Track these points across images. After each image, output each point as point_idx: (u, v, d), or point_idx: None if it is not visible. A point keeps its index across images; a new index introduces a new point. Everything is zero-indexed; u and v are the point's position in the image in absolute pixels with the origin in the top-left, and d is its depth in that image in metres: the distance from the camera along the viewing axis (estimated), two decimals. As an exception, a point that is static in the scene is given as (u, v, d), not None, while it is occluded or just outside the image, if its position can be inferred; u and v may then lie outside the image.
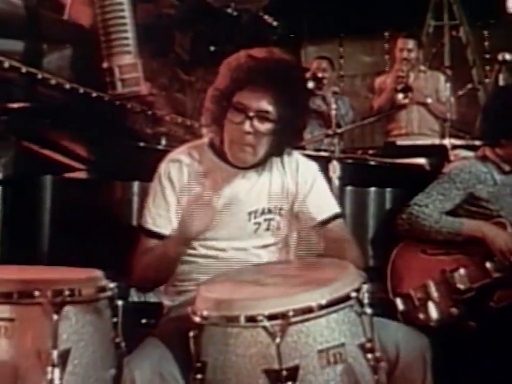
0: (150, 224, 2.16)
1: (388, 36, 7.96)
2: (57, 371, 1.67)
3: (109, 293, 1.83)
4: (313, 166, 2.34)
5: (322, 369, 1.65)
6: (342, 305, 1.69)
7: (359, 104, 6.38)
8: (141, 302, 3.54)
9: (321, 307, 1.67)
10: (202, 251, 2.16)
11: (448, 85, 4.72)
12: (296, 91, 2.17)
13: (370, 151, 4.93)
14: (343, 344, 1.67)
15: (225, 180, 2.21)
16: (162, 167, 2.23)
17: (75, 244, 2.65)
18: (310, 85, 4.99)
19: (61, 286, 1.72)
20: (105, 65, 1.26)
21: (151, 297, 3.47)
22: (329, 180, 2.92)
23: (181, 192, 2.19)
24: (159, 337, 1.91)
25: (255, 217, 2.21)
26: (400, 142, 4.57)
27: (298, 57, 8.76)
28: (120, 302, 1.83)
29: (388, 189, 3.24)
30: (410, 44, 5.19)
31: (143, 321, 2.87)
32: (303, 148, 3.51)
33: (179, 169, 2.20)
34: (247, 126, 2.10)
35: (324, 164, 2.86)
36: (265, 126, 2.12)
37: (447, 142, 3.70)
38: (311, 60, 7.22)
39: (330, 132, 3.14)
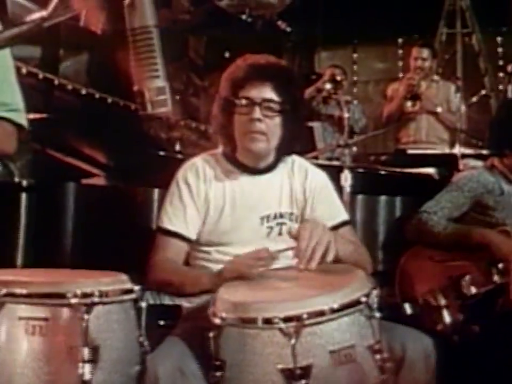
0: (166, 223, 2.28)
1: (401, 42, 8.10)
2: (87, 366, 1.79)
3: (133, 295, 1.94)
4: (322, 175, 2.43)
5: (333, 369, 1.74)
6: (352, 309, 1.77)
7: (372, 110, 6.46)
8: (157, 305, 3.67)
9: (333, 311, 1.75)
10: (217, 256, 2.27)
11: (458, 95, 4.79)
12: (292, 84, 2.31)
13: (383, 157, 5.04)
14: (353, 346, 1.76)
15: (238, 185, 2.32)
16: (180, 172, 2.35)
17: (97, 248, 2.75)
18: (328, 86, 5.15)
19: (91, 288, 1.84)
20: (135, 88, 1.37)
21: (166, 300, 3.60)
22: (340, 189, 3.04)
23: (198, 196, 2.30)
24: (180, 336, 2.01)
25: (267, 221, 2.31)
26: (411, 150, 4.65)
27: (311, 63, 8.88)
28: (143, 304, 1.96)
29: (398, 197, 3.35)
30: (425, 53, 5.28)
31: (161, 323, 2.96)
32: (316, 158, 3.64)
33: (196, 174, 2.32)
34: (256, 113, 2.21)
35: (335, 172, 2.97)
36: (275, 114, 2.24)
37: (457, 151, 3.78)
38: (324, 68, 7.32)
39: (341, 142, 3.25)
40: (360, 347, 1.77)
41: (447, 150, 4.18)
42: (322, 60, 8.79)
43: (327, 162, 3.24)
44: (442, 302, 2.83)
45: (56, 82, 5.43)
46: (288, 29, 8.28)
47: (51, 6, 1.37)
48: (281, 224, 2.32)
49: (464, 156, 3.77)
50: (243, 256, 2.09)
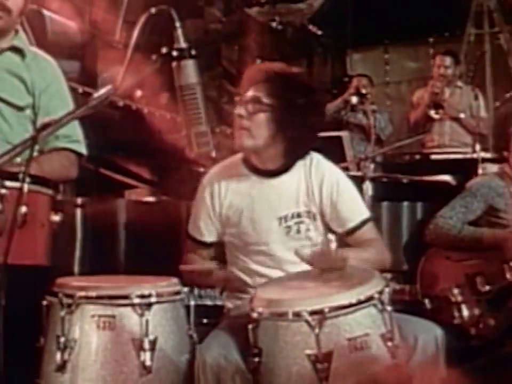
0: (189, 228, 2.60)
1: (432, 41, 8.11)
2: (147, 354, 2.19)
3: (183, 295, 2.36)
4: (340, 173, 2.58)
5: (351, 354, 2.04)
6: (366, 304, 2.07)
7: (405, 109, 6.49)
8: (199, 305, 4.07)
9: (350, 305, 2.05)
10: (253, 266, 2.52)
11: (478, 102, 5.06)
12: (289, 89, 2.42)
13: (417, 156, 5.24)
14: (367, 334, 2.06)
15: (255, 188, 2.51)
16: (204, 181, 2.59)
17: (147, 256, 3.09)
18: (354, 100, 5.46)
19: (149, 290, 2.25)
20: (183, 132, 1.73)
21: (207, 301, 3.98)
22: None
23: (213, 204, 2.53)
24: (223, 330, 2.36)
25: (285, 221, 2.48)
26: (434, 156, 4.91)
27: (343, 65, 8.96)
28: (192, 303, 2.37)
29: (419, 203, 3.69)
30: (448, 61, 5.56)
31: (204, 321, 3.33)
32: (347, 169, 3.95)
33: (213, 183, 2.55)
34: (240, 110, 2.41)
35: (358, 183, 3.29)
36: (259, 112, 2.40)
37: (477, 156, 4.07)
38: (356, 70, 7.48)
39: (368, 151, 3.58)
40: (374, 335, 2.07)
41: (468, 155, 4.43)
42: (354, 61, 8.91)
43: (353, 173, 3.56)
44: (459, 297, 3.16)
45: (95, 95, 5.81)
46: (319, 32, 8.46)
47: (116, 82, 1.74)
48: (299, 223, 2.48)
49: (484, 160, 4.04)
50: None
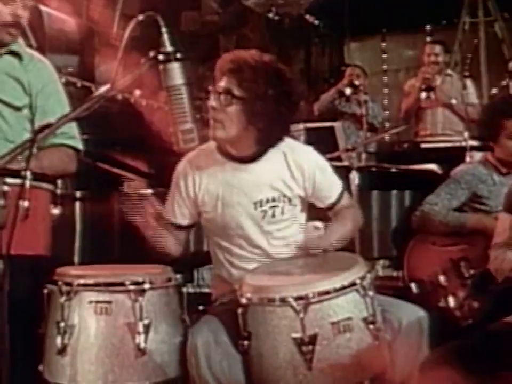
0: (166, 214, 2.64)
1: (430, 29, 8.06)
2: (142, 337, 2.35)
3: (175, 282, 2.50)
4: (314, 154, 2.65)
5: (334, 337, 2.17)
6: (349, 289, 2.20)
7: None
8: (196, 293, 4.22)
9: (334, 291, 2.18)
10: (235, 249, 2.60)
11: (471, 90, 5.16)
12: (260, 80, 2.43)
13: (406, 145, 5.35)
14: (350, 318, 2.19)
15: (230, 174, 2.57)
16: (179, 167, 2.65)
17: (140, 246, 3.26)
18: (347, 91, 5.59)
19: (143, 277, 2.41)
20: (171, 130, 1.86)
21: (205, 289, 4.14)
22: (349, 187, 3.43)
23: (187, 187, 2.60)
24: (214, 315, 2.47)
25: (260, 206, 2.56)
26: (424, 144, 5.02)
27: (341, 54, 9.07)
28: (184, 289, 2.51)
29: (407, 191, 3.85)
30: (437, 48, 5.64)
31: (200, 308, 3.47)
32: (339, 158, 4.08)
33: (188, 168, 2.61)
34: (213, 102, 2.45)
35: (344, 172, 3.39)
36: (230, 105, 2.43)
37: (465, 144, 4.18)
38: (353, 60, 7.54)
39: (349, 146, 3.71)
40: (356, 319, 2.19)
41: (457, 144, 4.53)
42: (352, 50, 9.01)
43: (338, 163, 3.67)
44: (444, 281, 3.31)
45: (93, 89, 5.88)
46: (316, 22, 8.59)
47: (113, 81, 1.88)
48: (274, 207, 2.56)
49: (472, 148, 4.16)
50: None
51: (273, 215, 2.58)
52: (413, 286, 3.38)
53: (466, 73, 5.56)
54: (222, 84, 2.48)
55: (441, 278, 3.33)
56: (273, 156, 2.60)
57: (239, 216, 2.58)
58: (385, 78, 8.77)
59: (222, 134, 2.49)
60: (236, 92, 2.44)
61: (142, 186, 3.94)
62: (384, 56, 8.83)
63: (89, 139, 2.99)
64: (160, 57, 1.94)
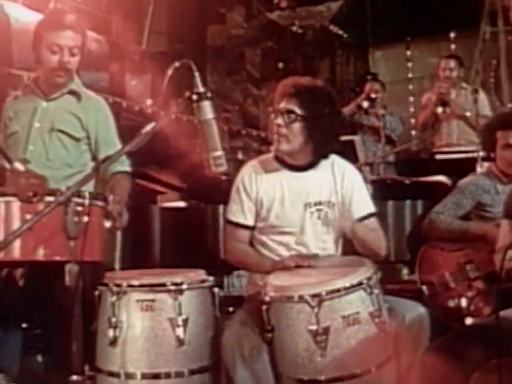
0: (231, 216, 3.06)
1: (454, 36, 8.45)
2: (181, 330, 2.81)
3: (209, 283, 2.96)
4: (356, 172, 3.14)
5: (344, 328, 2.51)
6: (357, 288, 2.55)
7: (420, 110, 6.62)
8: (227, 296, 4.62)
9: (344, 289, 2.53)
10: (271, 244, 3.01)
11: (485, 102, 5.48)
12: (317, 101, 2.90)
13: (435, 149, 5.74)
14: (358, 312, 2.54)
15: (285, 180, 3.02)
16: (239, 175, 3.08)
17: (179, 253, 3.67)
18: (365, 104, 6.00)
19: (181, 279, 2.87)
20: (204, 156, 2.25)
21: (234, 292, 4.54)
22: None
23: (251, 191, 3.01)
24: (244, 311, 2.87)
25: (309, 207, 2.99)
26: (439, 156, 5.35)
27: (366, 63, 9.35)
28: (216, 289, 2.96)
29: (420, 201, 4.20)
30: (452, 63, 5.98)
31: (230, 309, 3.68)
32: (359, 169, 4.47)
33: (250, 175, 3.06)
34: (278, 120, 2.91)
35: None
36: (294, 122, 2.88)
37: (477, 155, 4.48)
38: (378, 68, 7.81)
39: (369, 160, 4.06)
40: (363, 313, 2.55)
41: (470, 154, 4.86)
42: (376, 59, 9.32)
43: None
44: (452, 283, 3.66)
45: (124, 105, 6.33)
46: (340, 32, 8.84)
47: (158, 120, 2.35)
48: (320, 210, 3.00)
49: (484, 159, 4.40)
50: (289, 257, 2.96)
51: (318, 217, 3.01)
52: (424, 288, 3.71)
53: (477, 87, 5.83)
54: (283, 105, 2.93)
55: (449, 280, 3.67)
56: (323, 167, 3.06)
57: (291, 216, 3.00)
58: (410, 86, 9.02)
59: (286, 147, 2.96)
60: (298, 111, 2.91)
61: (174, 199, 4.43)
62: (409, 64, 9.07)
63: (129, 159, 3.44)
64: (194, 97, 2.40)
